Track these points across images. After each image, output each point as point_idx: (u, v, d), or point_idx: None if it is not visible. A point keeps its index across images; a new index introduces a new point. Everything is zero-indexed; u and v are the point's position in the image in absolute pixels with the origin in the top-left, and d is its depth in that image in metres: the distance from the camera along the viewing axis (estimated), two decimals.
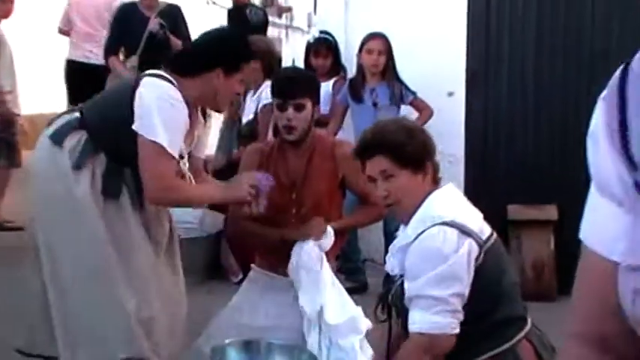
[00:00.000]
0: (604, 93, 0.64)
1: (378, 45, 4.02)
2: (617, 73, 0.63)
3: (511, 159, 3.99)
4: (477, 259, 1.77)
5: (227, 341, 2.68)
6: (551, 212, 3.59)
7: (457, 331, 1.74)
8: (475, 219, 1.89)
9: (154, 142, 2.30)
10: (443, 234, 1.78)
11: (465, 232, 1.76)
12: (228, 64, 2.46)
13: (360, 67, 4.09)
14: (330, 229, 2.60)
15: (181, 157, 2.47)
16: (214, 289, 4.05)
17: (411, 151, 1.89)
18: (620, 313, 0.63)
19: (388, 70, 4.04)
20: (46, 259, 2.45)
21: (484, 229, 1.86)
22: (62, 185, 2.40)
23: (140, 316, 2.53)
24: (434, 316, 1.68)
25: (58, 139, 2.40)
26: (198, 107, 2.56)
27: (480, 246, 1.79)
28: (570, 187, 3.39)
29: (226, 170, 3.92)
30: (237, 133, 4.40)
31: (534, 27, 3.93)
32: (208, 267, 4.33)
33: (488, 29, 3.99)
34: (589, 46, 3.82)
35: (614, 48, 3.70)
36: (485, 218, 1.88)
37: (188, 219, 4.07)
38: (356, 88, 4.08)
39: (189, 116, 2.42)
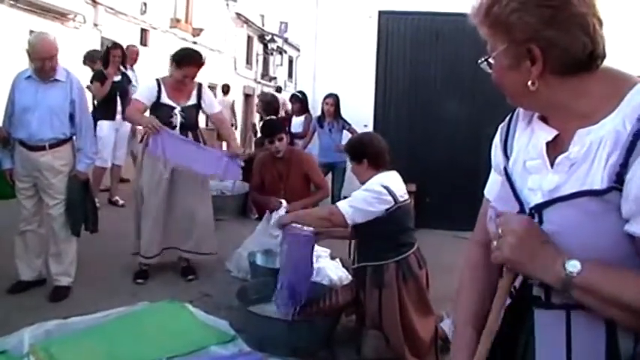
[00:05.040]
0: (501, 125, 1.02)
1: (331, 100, 5.81)
2: (510, 114, 1.02)
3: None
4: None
5: (256, 249, 3.51)
6: (412, 187, 4.79)
7: None
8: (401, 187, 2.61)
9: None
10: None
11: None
12: None
13: (322, 111, 5.91)
14: (284, 203, 3.37)
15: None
16: (244, 222, 5.38)
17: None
18: None
19: (336, 113, 5.81)
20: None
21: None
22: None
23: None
24: None
25: None
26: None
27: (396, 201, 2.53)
28: (423, 173, 5.39)
29: (248, 160, 4.76)
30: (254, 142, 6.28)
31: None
32: (240, 210, 5.92)
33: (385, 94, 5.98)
34: None
35: None
36: None
37: (229, 185, 5.79)
38: (320, 121, 5.90)
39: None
